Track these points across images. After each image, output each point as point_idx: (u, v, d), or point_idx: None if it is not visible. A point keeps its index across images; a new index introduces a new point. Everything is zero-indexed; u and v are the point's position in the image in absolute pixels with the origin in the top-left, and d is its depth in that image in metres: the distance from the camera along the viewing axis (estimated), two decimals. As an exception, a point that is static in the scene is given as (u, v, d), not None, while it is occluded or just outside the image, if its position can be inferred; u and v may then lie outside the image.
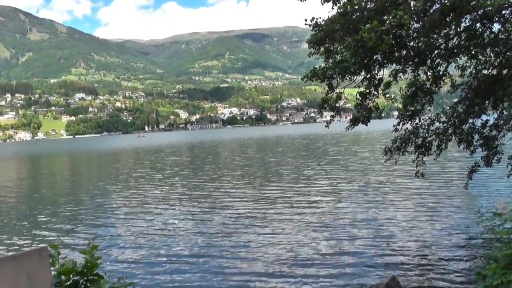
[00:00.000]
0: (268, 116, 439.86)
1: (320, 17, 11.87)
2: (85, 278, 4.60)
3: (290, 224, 16.86)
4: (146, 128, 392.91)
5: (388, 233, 14.87)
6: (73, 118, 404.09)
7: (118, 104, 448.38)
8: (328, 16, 11.79)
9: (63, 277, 4.45)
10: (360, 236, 14.70)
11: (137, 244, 15.00)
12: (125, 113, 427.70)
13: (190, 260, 13.11)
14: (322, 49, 12.32)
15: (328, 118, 13.89)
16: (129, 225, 17.97)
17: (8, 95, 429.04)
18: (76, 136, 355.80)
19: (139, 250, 14.27)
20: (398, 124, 14.02)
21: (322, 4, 12.16)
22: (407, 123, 14.08)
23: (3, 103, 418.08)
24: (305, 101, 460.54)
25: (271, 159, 47.57)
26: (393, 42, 9.86)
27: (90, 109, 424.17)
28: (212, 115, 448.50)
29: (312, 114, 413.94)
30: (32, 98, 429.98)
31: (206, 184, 29.74)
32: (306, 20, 11.95)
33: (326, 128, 13.71)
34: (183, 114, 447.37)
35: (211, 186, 28.29)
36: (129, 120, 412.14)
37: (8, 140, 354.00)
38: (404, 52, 11.43)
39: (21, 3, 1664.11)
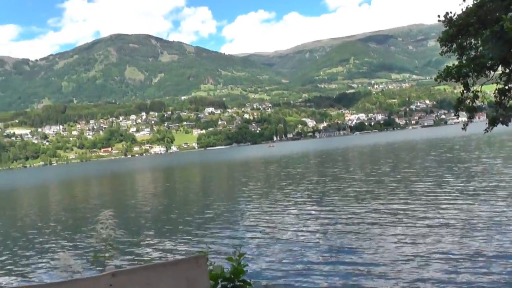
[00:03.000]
0: (397, 120, 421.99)
1: (452, 12, 11.31)
2: (231, 284, 4.75)
3: (425, 228, 16.00)
4: (275, 138, 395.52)
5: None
6: (203, 131, 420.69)
7: (246, 116, 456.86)
8: (462, 9, 11.21)
9: (211, 282, 4.58)
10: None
11: (281, 252, 14.79)
12: (253, 124, 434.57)
13: (334, 268, 12.60)
14: (454, 45, 11.75)
15: (462, 119, 13.25)
16: (273, 233, 17.77)
17: (144, 113, 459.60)
18: (207, 148, 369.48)
19: (284, 258, 14.04)
20: None
21: None
22: None
23: (139, 120, 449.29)
24: (435, 102, 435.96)
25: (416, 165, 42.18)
26: None
27: (220, 122, 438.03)
28: (339, 122, 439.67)
29: (443, 116, 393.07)
30: (165, 115, 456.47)
31: (349, 191, 28.28)
32: (439, 16, 11.59)
33: (463, 131, 13.12)
34: (311, 123, 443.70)
35: (353, 194, 26.83)
36: (257, 131, 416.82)
37: (144, 154, 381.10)
38: None
39: (152, 29, 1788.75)
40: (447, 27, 11.64)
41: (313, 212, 21.89)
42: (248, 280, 4.87)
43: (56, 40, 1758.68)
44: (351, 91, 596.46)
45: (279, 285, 11.41)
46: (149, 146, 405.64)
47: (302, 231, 17.66)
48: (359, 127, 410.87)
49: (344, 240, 15.46)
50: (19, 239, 22.52)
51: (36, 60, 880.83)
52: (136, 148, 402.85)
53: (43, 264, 16.19)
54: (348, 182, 33.66)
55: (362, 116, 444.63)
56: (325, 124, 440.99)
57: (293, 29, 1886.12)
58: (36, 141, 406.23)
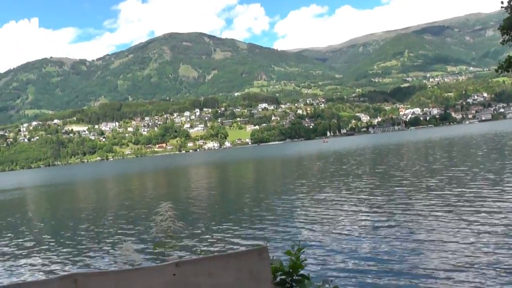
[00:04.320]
0: (453, 114, 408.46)
1: None
2: (290, 278, 4.75)
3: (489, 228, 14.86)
4: (328, 134, 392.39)
5: None
6: (257, 127, 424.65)
7: (299, 111, 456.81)
8: None
9: None
10: None
11: (340, 247, 14.25)
12: (306, 119, 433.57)
13: (395, 265, 12.02)
14: None
15: None
16: (331, 229, 17.13)
17: (197, 110, 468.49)
18: (260, 144, 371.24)
19: (342, 253, 13.55)
20: None
21: None
22: None
23: (193, 117, 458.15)
24: (493, 95, 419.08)
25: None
26: None
27: (273, 117, 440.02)
28: (393, 117, 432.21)
29: (502, 110, 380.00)
30: (219, 111, 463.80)
31: (410, 187, 26.93)
32: (502, 2, 11.31)
33: None
34: (364, 118, 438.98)
35: (415, 189, 25.65)
36: (311, 127, 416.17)
37: (198, 150, 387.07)
38: None
39: (205, 28, 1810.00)
40: (510, 13, 11.26)
41: (372, 208, 20.96)
42: (307, 275, 4.83)
43: (112, 40, 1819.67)
44: (406, 85, 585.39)
45: (338, 281, 10.87)
46: (203, 142, 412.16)
47: (360, 227, 17.05)
48: (414, 122, 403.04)
49: (406, 238, 14.71)
50: (81, 229, 23.17)
51: (93, 61, 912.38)
52: (190, 144, 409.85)
53: (105, 254, 16.62)
54: (407, 177, 32.13)
55: (417, 110, 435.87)
56: (379, 119, 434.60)
57: (346, 23, 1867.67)
58: (93, 138, 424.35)
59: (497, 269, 10.96)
